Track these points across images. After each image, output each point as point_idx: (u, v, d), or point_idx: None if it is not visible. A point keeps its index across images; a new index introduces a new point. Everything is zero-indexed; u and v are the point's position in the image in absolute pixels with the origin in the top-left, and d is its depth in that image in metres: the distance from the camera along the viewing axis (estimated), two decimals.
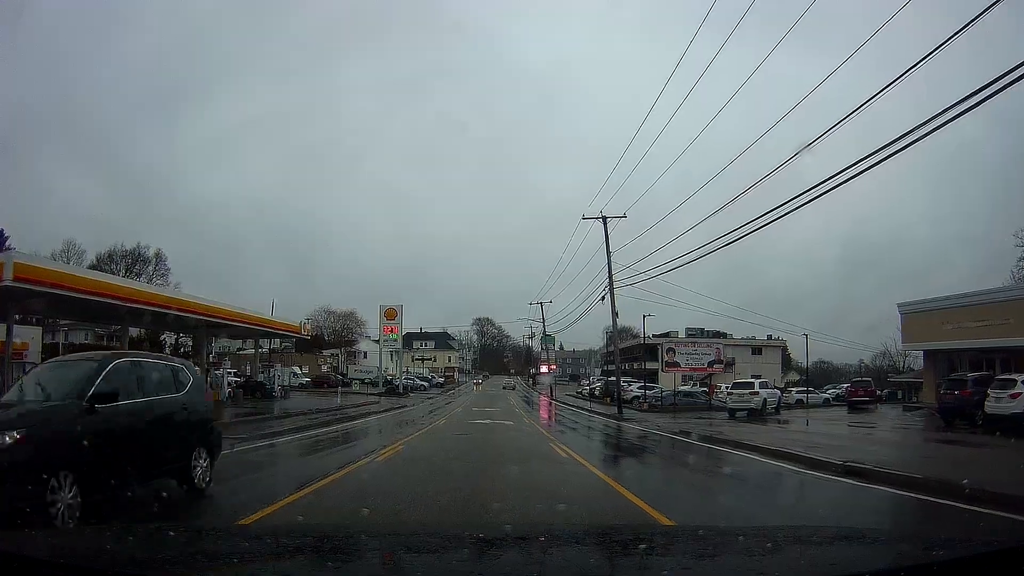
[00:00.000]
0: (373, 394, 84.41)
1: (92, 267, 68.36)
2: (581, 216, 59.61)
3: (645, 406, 64.97)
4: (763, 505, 14.86)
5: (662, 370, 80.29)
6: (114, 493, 11.51)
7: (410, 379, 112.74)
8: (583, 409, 67.68)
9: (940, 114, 17.35)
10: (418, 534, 5.12)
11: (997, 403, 34.09)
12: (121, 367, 12.69)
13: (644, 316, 77.38)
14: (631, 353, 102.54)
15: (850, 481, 16.47)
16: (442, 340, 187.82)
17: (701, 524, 8.21)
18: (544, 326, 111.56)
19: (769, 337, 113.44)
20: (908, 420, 48.67)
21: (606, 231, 57.08)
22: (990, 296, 49.86)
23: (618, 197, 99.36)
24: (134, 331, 75.28)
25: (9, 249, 45.67)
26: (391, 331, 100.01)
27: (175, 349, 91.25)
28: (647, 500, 13.60)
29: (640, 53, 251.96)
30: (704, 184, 60.97)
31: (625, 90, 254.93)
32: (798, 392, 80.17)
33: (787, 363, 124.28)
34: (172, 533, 4.87)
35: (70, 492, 10.27)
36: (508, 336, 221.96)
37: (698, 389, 75.42)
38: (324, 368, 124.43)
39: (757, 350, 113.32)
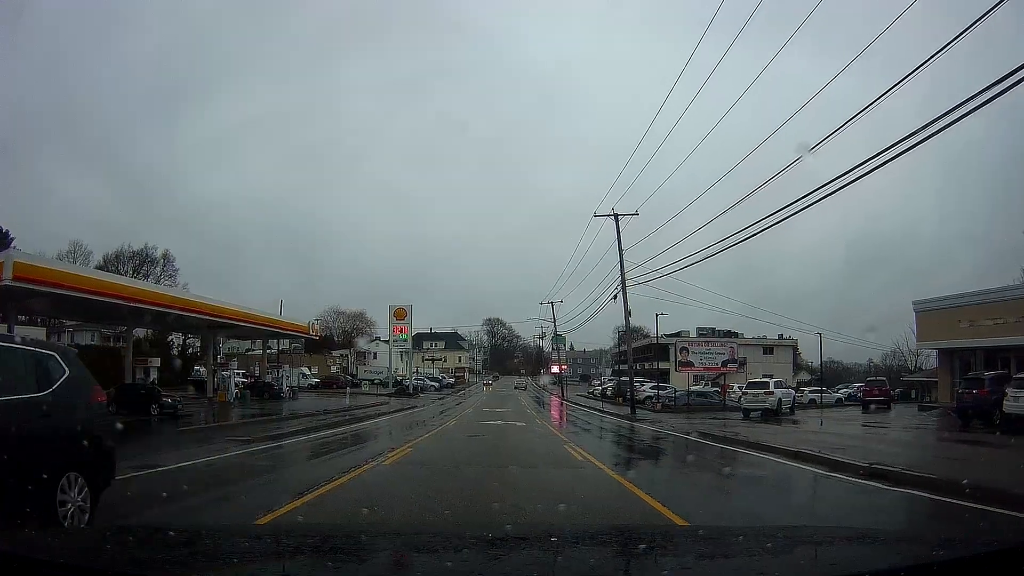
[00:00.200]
0: (383, 395, 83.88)
1: (99, 268, 67.48)
2: (592, 214, 58.84)
3: (658, 406, 64.02)
4: (791, 511, 14.33)
5: (675, 370, 79.30)
6: None
7: (420, 380, 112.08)
8: (595, 410, 67.08)
9: (948, 112, 17.20)
10: (425, 548, 4.64)
11: (1016, 402, 33.37)
12: None
13: (657, 315, 77.13)
14: (642, 353, 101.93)
15: (876, 484, 15.88)
16: (452, 340, 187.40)
17: (726, 528, 7.80)
18: (555, 326, 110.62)
19: (780, 337, 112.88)
20: (925, 420, 47.74)
21: (618, 228, 56.30)
22: (1005, 294, 48.81)
23: (627, 196, 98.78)
24: (140, 332, 75.04)
25: (14, 249, 44.94)
26: (401, 331, 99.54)
27: (182, 350, 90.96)
28: (673, 508, 12.76)
29: (642, 52, 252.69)
30: (714, 183, 60.22)
31: (628, 89, 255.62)
32: (811, 392, 79.38)
33: (797, 363, 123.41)
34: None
35: None
36: (518, 336, 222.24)
37: (710, 389, 75.37)
38: (333, 369, 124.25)
39: (768, 349, 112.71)
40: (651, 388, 75.73)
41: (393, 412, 54.52)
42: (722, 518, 12.46)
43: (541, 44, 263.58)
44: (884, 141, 19.82)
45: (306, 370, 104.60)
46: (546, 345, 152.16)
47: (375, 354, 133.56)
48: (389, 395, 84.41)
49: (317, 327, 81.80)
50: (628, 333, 66.26)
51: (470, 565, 3.94)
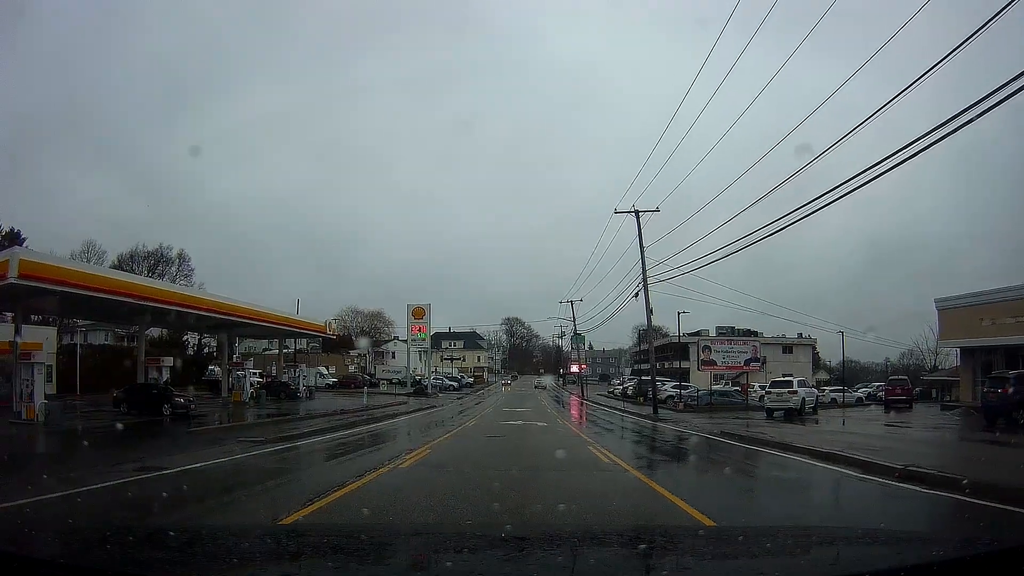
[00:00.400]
0: (401, 395, 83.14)
1: (113, 268, 66.74)
2: (613, 210, 57.53)
3: (680, 406, 63.51)
4: (830, 515, 13.96)
5: (698, 368, 77.78)
6: None
7: (439, 379, 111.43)
8: (616, 409, 66.44)
9: (966, 111, 17.35)
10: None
11: None
12: None
13: (679, 313, 75.89)
14: (662, 352, 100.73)
15: (913, 487, 15.37)
16: (471, 340, 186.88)
17: (765, 529, 7.55)
18: (574, 325, 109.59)
19: (799, 336, 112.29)
20: (949, 420, 46.46)
21: (639, 225, 55.35)
22: None
23: (647, 195, 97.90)
24: (155, 332, 74.31)
25: (19, 247, 44.23)
26: (419, 330, 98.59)
27: (198, 350, 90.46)
28: (712, 516, 11.90)
29: (662, 52, 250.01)
30: (735, 180, 60.06)
31: (648, 89, 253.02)
32: (832, 391, 78.50)
33: (816, 362, 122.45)
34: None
35: None
36: (537, 336, 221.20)
37: (731, 388, 74.41)
38: (351, 368, 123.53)
39: (788, 348, 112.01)
40: (672, 387, 74.95)
41: (411, 412, 53.74)
42: (756, 522, 12.06)
43: (562, 44, 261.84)
44: (899, 140, 20.06)
45: (323, 370, 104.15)
46: (565, 344, 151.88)
47: (393, 353, 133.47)
48: (407, 395, 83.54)
49: (334, 326, 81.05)
50: (650, 331, 65.00)
51: None
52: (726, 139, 52.00)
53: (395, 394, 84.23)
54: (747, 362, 71.54)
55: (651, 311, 57.29)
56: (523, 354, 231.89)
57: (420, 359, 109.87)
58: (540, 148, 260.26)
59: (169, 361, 52.52)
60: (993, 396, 38.17)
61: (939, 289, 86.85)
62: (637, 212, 55.41)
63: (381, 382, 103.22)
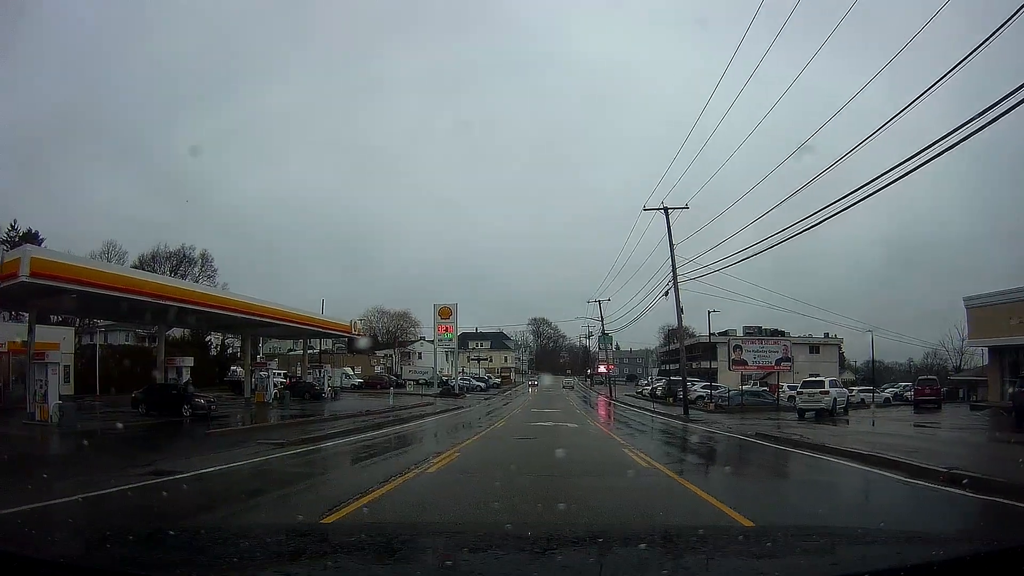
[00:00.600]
0: (428, 395, 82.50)
1: (134, 268, 66.09)
2: (641, 207, 57.03)
3: (711, 406, 62.72)
4: (883, 522, 12.33)
5: (729, 368, 77.07)
6: None
7: (466, 380, 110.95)
8: (646, 410, 65.18)
9: (990, 108, 17.38)
10: None
11: None
12: None
13: (709, 312, 75.36)
14: (690, 352, 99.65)
15: (958, 491, 14.73)
16: (498, 340, 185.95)
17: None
18: (602, 325, 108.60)
19: (826, 335, 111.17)
20: (979, 421, 45.55)
21: (668, 222, 54.81)
22: None
23: (673, 195, 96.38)
24: (178, 332, 73.59)
25: (31, 246, 43.55)
26: (446, 330, 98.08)
27: (221, 350, 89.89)
28: (756, 522, 11.22)
29: (687, 51, 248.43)
30: (761, 180, 59.66)
31: (674, 88, 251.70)
32: (860, 391, 77.53)
33: (841, 361, 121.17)
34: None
35: None
36: (564, 336, 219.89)
37: (760, 388, 73.94)
38: (377, 369, 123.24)
39: (815, 348, 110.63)
40: (702, 387, 74.36)
41: (438, 413, 52.93)
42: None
43: (588, 43, 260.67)
44: (922, 138, 20.25)
45: (349, 370, 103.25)
46: (592, 345, 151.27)
47: (420, 354, 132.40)
48: (434, 395, 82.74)
49: (359, 326, 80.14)
50: (680, 331, 64.18)
51: None
52: (750, 137, 51.11)
53: (422, 395, 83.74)
54: (778, 362, 71.63)
55: (681, 310, 56.53)
56: (550, 355, 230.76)
57: (447, 359, 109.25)
58: (567, 148, 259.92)
59: (189, 361, 51.81)
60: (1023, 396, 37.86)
61: (963, 288, 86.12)
62: (666, 209, 54.81)
63: (407, 383, 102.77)
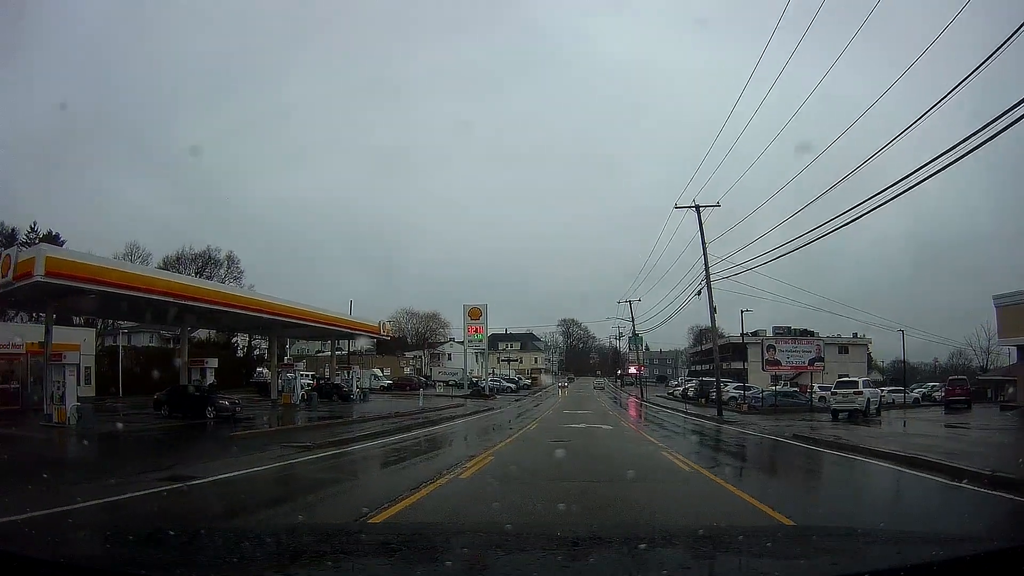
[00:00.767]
0: (458, 396, 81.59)
1: (159, 269, 65.40)
2: (673, 206, 56.08)
3: (744, 407, 62.09)
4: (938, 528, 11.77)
5: (763, 368, 76.45)
6: None
7: (496, 381, 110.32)
8: (679, 411, 64.62)
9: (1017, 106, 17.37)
10: None
11: None
12: None
13: (742, 312, 74.90)
14: (720, 352, 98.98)
15: (1003, 494, 14.43)
16: (528, 341, 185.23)
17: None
18: (633, 325, 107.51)
19: (854, 335, 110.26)
20: (1011, 421, 45.42)
21: (700, 220, 53.99)
22: None
23: (703, 195, 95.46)
24: (203, 333, 72.97)
25: (46, 244, 42.96)
26: (476, 331, 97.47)
27: (248, 351, 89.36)
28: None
29: (716, 51, 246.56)
30: (792, 177, 59.52)
31: (704, 88, 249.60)
32: (889, 391, 76.29)
33: (868, 361, 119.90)
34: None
35: None
36: (594, 337, 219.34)
37: (790, 389, 73.28)
38: (406, 370, 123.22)
39: (844, 348, 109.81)
40: (735, 388, 73.82)
41: (469, 415, 52.07)
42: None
43: (616, 44, 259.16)
44: (949, 136, 20.22)
45: (378, 372, 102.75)
46: (622, 345, 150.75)
47: (449, 355, 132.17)
48: (464, 397, 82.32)
49: (388, 327, 79.23)
50: (714, 331, 63.25)
51: None
52: (774, 137, 50.51)
53: (451, 396, 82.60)
54: (811, 362, 71.19)
55: (715, 309, 55.97)
56: (580, 355, 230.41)
57: (477, 360, 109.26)
58: (597, 148, 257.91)
59: (214, 363, 51.00)
60: None
61: (991, 287, 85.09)
62: (698, 207, 53.96)
63: (437, 384, 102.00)
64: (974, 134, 18.97)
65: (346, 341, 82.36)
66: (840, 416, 48.50)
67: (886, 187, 24.36)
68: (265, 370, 69.58)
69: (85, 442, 27.21)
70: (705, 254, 53.79)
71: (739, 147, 45.85)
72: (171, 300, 36.83)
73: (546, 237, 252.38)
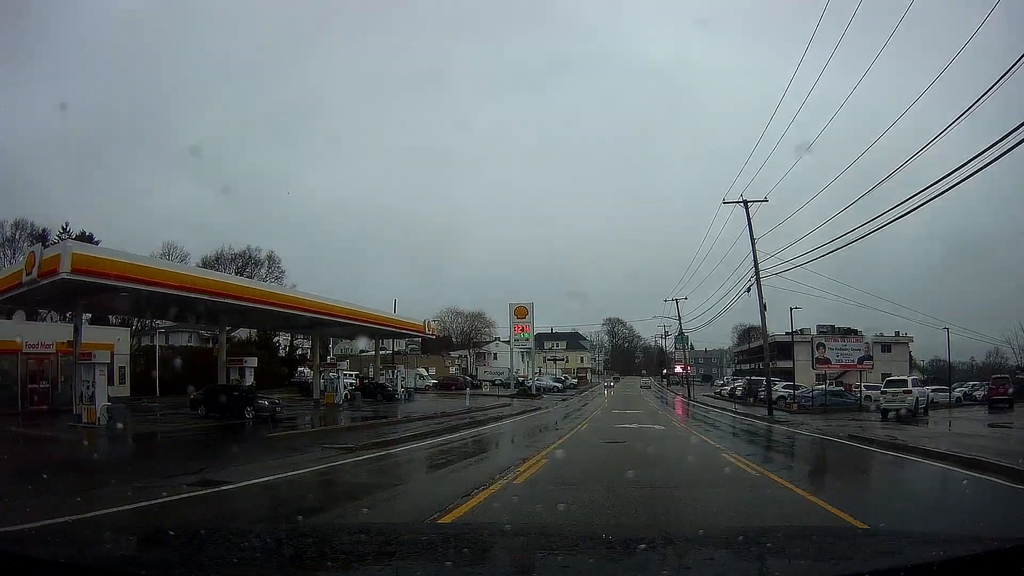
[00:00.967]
0: (504, 396, 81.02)
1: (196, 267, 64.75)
2: (721, 201, 55.56)
3: (794, 407, 60.84)
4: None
5: (812, 367, 77.22)
6: None
7: (542, 380, 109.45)
8: (728, 411, 64.17)
9: None
10: None
11: None
12: None
13: (791, 309, 73.58)
14: (761, 352, 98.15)
15: None
16: (573, 340, 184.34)
17: None
18: (680, 324, 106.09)
19: (896, 333, 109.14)
20: None
21: (748, 215, 53.18)
22: None
23: (748, 193, 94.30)
24: (244, 333, 72.20)
25: (72, 241, 42.25)
26: (522, 330, 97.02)
27: (290, 351, 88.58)
28: None
29: (756, 49, 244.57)
30: (839, 175, 59.40)
31: (747, 84, 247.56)
32: (933, 391, 75.02)
33: (910, 360, 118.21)
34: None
35: None
36: (639, 336, 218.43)
37: (836, 388, 72.77)
38: (452, 370, 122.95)
39: (886, 347, 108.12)
40: (784, 387, 72.57)
41: (517, 415, 50.78)
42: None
43: (659, 41, 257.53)
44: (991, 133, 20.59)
45: (423, 371, 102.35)
46: (668, 345, 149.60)
47: (495, 355, 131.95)
48: (511, 396, 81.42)
49: (433, 326, 78.41)
50: (764, 328, 61.56)
51: None
52: (826, 135, 50.15)
53: (498, 395, 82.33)
54: (860, 360, 72.53)
55: (764, 306, 54.77)
56: (625, 355, 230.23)
57: (523, 360, 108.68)
58: (641, 146, 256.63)
59: (253, 362, 49.91)
60: None
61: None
62: (746, 202, 53.25)
63: (483, 383, 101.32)
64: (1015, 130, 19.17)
65: (390, 341, 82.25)
66: (889, 416, 48.00)
67: (930, 184, 24.81)
68: (307, 370, 69.35)
69: (115, 443, 26.49)
70: (754, 249, 53.12)
71: (781, 145, 45.33)
72: (206, 297, 35.75)
73: (590, 236, 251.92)
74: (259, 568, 3.75)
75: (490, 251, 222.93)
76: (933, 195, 24.77)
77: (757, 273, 52.69)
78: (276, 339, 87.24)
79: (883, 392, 54.06)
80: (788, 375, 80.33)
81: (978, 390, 78.77)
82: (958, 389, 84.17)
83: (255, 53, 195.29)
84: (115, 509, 11.85)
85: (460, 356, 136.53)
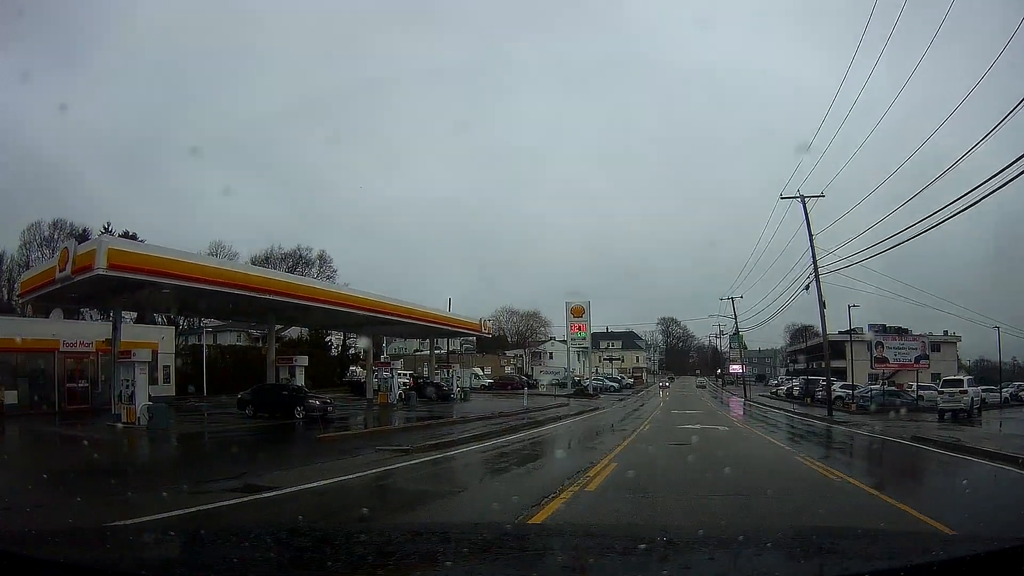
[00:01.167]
0: (561, 396, 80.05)
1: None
2: (778, 196, 54.63)
3: (853, 407, 60.25)
4: None
5: (872, 366, 75.34)
6: None
7: (599, 380, 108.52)
8: (786, 411, 63.91)
9: None
10: None
11: None
12: None
13: (849, 307, 71.69)
14: (818, 350, 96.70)
15: None
16: (629, 340, 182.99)
17: None
18: (736, 322, 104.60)
19: (945, 332, 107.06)
20: None
21: (806, 211, 52.48)
22: None
23: (804, 190, 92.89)
24: (296, 332, 71.43)
25: (107, 236, 41.54)
26: (578, 329, 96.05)
27: (342, 350, 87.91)
28: None
29: (811, 47, 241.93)
30: (893, 172, 58.68)
31: (803, 83, 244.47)
32: (982, 391, 73.75)
33: (958, 360, 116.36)
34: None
35: None
36: (693, 336, 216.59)
37: (890, 387, 70.83)
38: (507, 369, 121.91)
39: (935, 346, 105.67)
40: (841, 387, 70.80)
41: (575, 415, 49.66)
42: None
43: (705, 43, 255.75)
44: None
45: (478, 371, 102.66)
46: (724, 344, 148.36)
47: (551, 354, 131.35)
48: (568, 396, 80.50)
49: (489, 325, 77.34)
50: (824, 326, 60.02)
51: None
52: (878, 132, 48.93)
53: (555, 395, 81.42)
54: (917, 359, 71.87)
55: (823, 304, 53.62)
56: (679, 354, 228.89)
57: (579, 359, 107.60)
58: (698, 146, 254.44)
59: (304, 360, 48.90)
60: None
61: None
62: (803, 197, 52.36)
63: (539, 383, 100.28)
64: None
65: (445, 340, 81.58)
66: (945, 416, 47.89)
67: (977, 185, 24.68)
68: (360, 369, 68.63)
69: (155, 444, 25.67)
70: (812, 246, 52.29)
71: (835, 142, 44.37)
72: (251, 294, 34.75)
73: (647, 236, 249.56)
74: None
75: (547, 252, 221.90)
76: (997, 185, 23.83)
77: (816, 269, 51.87)
78: (328, 338, 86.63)
79: (940, 392, 54.10)
80: (841, 374, 79.07)
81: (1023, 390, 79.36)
82: (1005, 389, 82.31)
83: (321, 61, 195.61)
84: (136, 520, 10.31)
85: (515, 356, 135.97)
